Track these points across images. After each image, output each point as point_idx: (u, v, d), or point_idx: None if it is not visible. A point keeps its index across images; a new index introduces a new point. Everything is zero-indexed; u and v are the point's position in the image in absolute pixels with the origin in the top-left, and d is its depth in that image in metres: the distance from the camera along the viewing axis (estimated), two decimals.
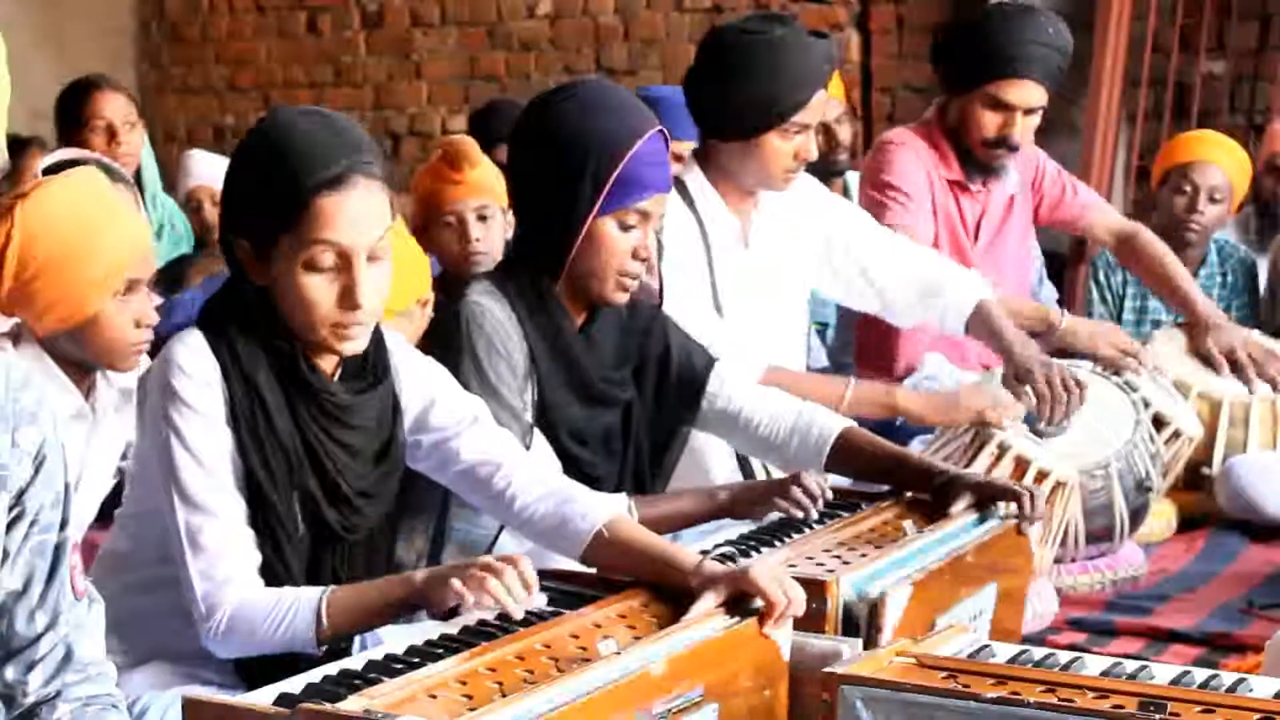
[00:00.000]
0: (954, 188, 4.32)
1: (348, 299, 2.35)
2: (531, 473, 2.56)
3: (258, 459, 2.36)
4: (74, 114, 4.96)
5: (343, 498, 2.44)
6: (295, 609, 2.29)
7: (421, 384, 2.58)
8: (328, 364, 2.45)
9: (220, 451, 2.35)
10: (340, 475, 2.43)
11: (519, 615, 2.21)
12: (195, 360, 2.36)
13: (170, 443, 2.34)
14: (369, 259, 2.36)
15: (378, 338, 2.48)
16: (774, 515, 2.87)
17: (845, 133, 5.47)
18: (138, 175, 5.09)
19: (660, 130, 2.89)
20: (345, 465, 2.44)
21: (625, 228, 2.87)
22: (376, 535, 2.53)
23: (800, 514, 2.82)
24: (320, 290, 2.35)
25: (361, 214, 2.34)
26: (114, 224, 2.81)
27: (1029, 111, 4.18)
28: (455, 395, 2.61)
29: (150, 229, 3.02)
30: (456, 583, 2.21)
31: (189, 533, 2.33)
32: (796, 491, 2.83)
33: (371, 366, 2.48)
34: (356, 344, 2.41)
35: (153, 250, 3.01)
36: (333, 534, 2.44)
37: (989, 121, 4.18)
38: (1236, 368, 4.21)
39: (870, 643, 2.33)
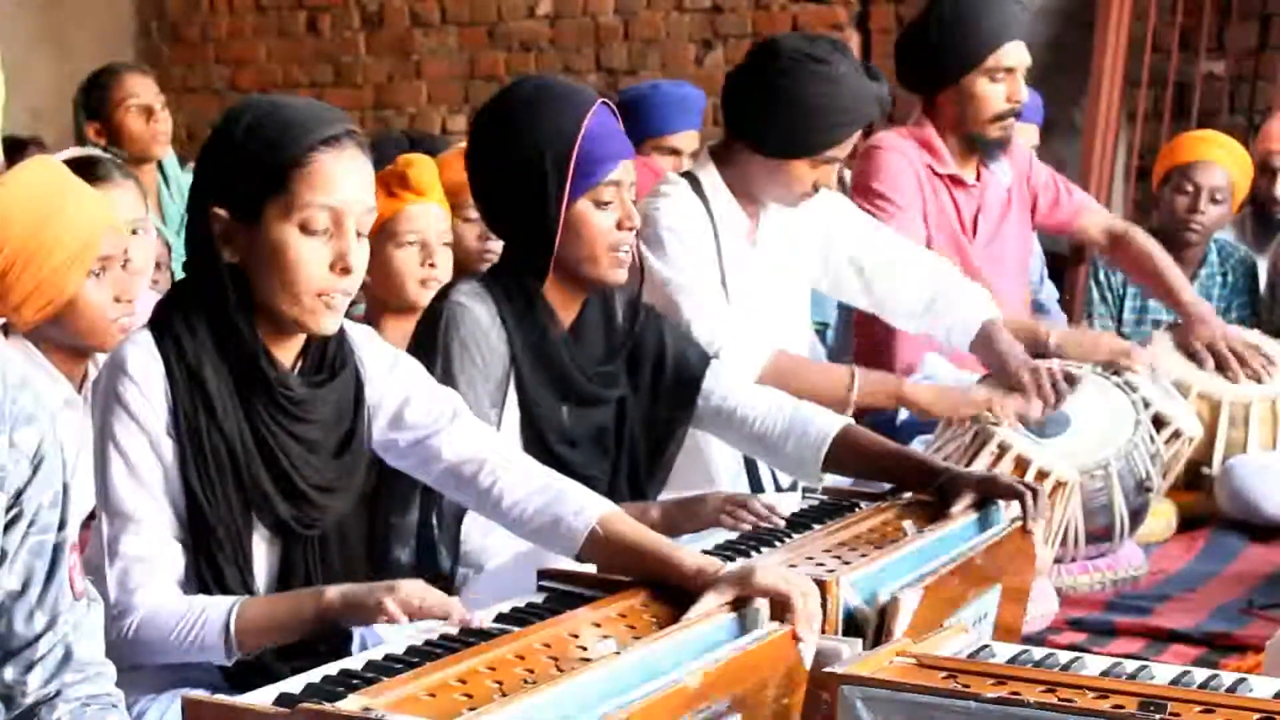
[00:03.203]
0: (949, 183, 4.32)
1: (341, 263, 2.31)
2: (518, 468, 2.52)
3: (198, 465, 2.32)
4: (106, 96, 4.91)
5: (298, 493, 2.38)
6: (205, 619, 2.26)
7: (395, 380, 2.53)
8: (287, 355, 2.40)
9: (154, 461, 2.31)
10: (295, 469, 2.37)
11: (460, 621, 2.16)
12: (140, 363, 2.32)
13: (106, 448, 2.31)
14: (356, 232, 2.32)
15: (340, 328, 2.43)
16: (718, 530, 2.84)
17: None
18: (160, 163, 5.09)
19: (603, 102, 2.92)
20: (302, 459, 2.39)
21: (601, 204, 2.90)
22: (348, 530, 2.49)
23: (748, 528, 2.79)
24: (313, 253, 2.30)
25: (357, 175, 2.33)
26: (75, 206, 2.79)
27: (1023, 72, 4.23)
28: (431, 390, 2.56)
29: (109, 206, 2.99)
30: (391, 605, 2.16)
31: (109, 539, 2.30)
32: (742, 514, 2.80)
33: (331, 359, 2.43)
34: (336, 319, 2.35)
35: (122, 225, 3.00)
36: (292, 531, 2.40)
37: (996, 95, 4.19)
38: (1220, 362, 4.20)
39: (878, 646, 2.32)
